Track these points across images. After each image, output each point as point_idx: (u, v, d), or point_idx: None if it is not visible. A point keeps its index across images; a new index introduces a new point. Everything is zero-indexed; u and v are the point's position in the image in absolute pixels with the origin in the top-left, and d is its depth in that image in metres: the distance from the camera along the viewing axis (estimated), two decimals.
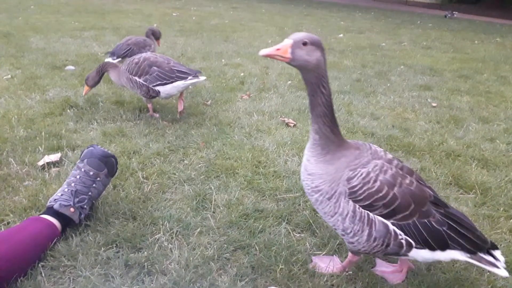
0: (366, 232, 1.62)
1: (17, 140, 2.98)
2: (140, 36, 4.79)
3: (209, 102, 4.15)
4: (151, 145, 3.07)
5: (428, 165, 3.02)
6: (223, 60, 6.05)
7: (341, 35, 9.20)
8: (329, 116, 1.62)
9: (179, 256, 1.92)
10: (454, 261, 1.97)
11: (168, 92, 3.44)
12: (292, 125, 3.64)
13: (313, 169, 1.67)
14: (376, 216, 1.61)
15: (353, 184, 1.59)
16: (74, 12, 10.05)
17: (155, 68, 3.38)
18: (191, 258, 1.91)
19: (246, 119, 3.72)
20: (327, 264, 1.91)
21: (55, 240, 1.94)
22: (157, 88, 3.38)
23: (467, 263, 1.85)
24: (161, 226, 2.13)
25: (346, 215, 1.62)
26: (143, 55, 3.48)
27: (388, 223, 1.61)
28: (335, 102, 4.34)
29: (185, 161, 2.89)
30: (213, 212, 2.31)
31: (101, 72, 3.57)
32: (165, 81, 3.38)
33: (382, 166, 1.63)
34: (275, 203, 2.42)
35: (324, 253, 2.02)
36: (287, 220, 2.26)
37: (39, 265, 1.81)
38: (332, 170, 1.63)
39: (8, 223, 2.10)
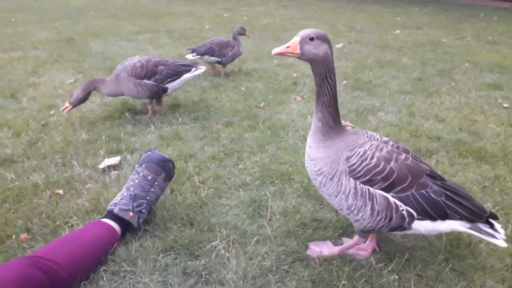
0: (369, 207, 1.71)
1: (79, 143, 3.10)
2: (224, 38, 4.95)
3: (262, 104, 4.09)
4: (206, 149, 3.06)
5: (503, 173, 2.76)
6: (275, 61, 5.97)
7: (398, 31, 8.78)
8: (333, 105, 1.74)
9: (236, 266, 1.86)
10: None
11: (175, 87, 3.64)
12: (349, 127, 3.49)
13: (315, 155, 1.79)
14: (376, 190, 1.71)
15: (352, 162, 1.71)
16: (129, 16, 10.44)
17: (161, 67, 3.53)
18: (249, 269, 1.85)
19: (300, 122, 3.62)
20: (322, 248, 1.96)
21: (115, 244, 1.96)
22: (167, 85, 3.55)
23: (466, 233, 1.86)
24: (217, 233, 2.09)
25: (349, 192, 1.72)
26: (142, 58, 3.54)
27: (389, 196, 1.71)
28: (395, 103, 4.12)
29: (239, 166, 2.85)
30: (270, 220, 2.24)
31: (88, 90, 3.40)
32: (174, 77, 3.57)
33: (378, 145, 1.76)
34: (334, 212, 2.30)
35: (389, 269, 1.88)
36: (348, 232, 2.14)
37: (101, 269, 1.84)
38: (332, 153, 1.75)
39: (72, 225, 2.16)
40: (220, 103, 4.11)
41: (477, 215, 1.74)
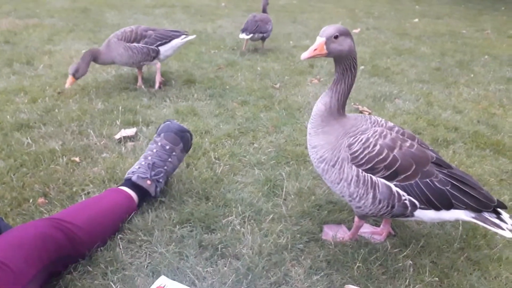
0: (370, 195, 1.70)
1: (95, 113, 3.10)
2: (261, 14, 5.15)
3: (277, 85, 4.05)
4: (221, 126, 3.05)
5: None
6: (291, 42, 5.90)
7: (417, 19, 8.61)
8: (345, 95, 1.75)
9: (252, 242, 1.87)
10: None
11: (167, 51, 3.67)
12: (367, 113, 3.46)
13: (315, 141, 1.79)
14: (379, 178, 1.70)
15: (354, 150, 1.70)
16: None
17: (150, 31, 3.61)
18: (264, 245, 1.85)
19: None
20: (336, 232, 1.96)
21: (132, 212, 1.98)
22: (158, 48, 3.59)
23: (472, 223, 1.84)
24: (233, 209, 2.09)
25: (351, 180, 1.72)
26: (132, 26, 3.64)
27: (391, 184, 1.69)
28: (413, 91, 4.06)
29: (254, 145, 2.84)
30: (284, 200, 2.24)
31: (87, 61, 3.40)
32: (164, 40, 3.62)
33: (382, 132, 1.73)
34: None
35: (404, 254, 1.88)
36: None
37: (118, 236, 1.85)
38: (332, 139, 1.75)
39: (88, 193, 2.18)
40: (236, 81, 4.08)
41: (483, 204, 1.69)
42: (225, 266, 1.74)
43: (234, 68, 4.49)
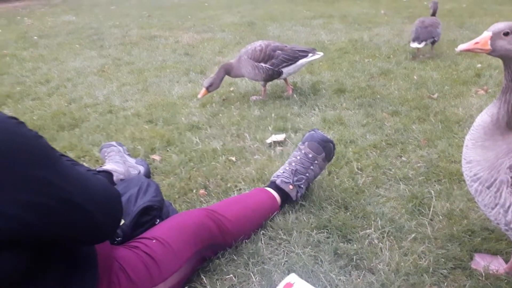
0: None
1: (252, 118, 3.42)
2: (430, 17, 5.00)
3: (435, 95, 3.77)
4: (367, 136, 3.01)
5: None
6: (455, 49, 5.37)
7: None
8: None
9: (389, 258, 1.82)
10: None
11: (290, 71, 3.71)
12: None
13: (470, 156, 1.58)
14: None
15: None
16: (305, 1, 10.76)
17: (279, 51, 3.61)
18: (402, 264, 1.78)
19: None
20: (489, 263, 1.71)
21: (275, 212, 2.14)
22: (282, 69, 3.64)
23: None
24: (372, 222, 2.06)
25: (508, 207, 1.49)
26: (263, 42, 3.69)
27: None
28: None
29: (402, 158, 2.72)
30: (431, 220, 2.10)
31: (223, 75, 3.67)
32: (290, 62, 3.63)
33: None
34: None
35: None
36: None
37: (261, 232, 2.03)
38: (491, 156, 1.52)
39: (240, 189, 2.44)
40: (388, 90, 3.95)
41: None
42: (359, 278, 1.74)
43: (387, 77, 4.35)
